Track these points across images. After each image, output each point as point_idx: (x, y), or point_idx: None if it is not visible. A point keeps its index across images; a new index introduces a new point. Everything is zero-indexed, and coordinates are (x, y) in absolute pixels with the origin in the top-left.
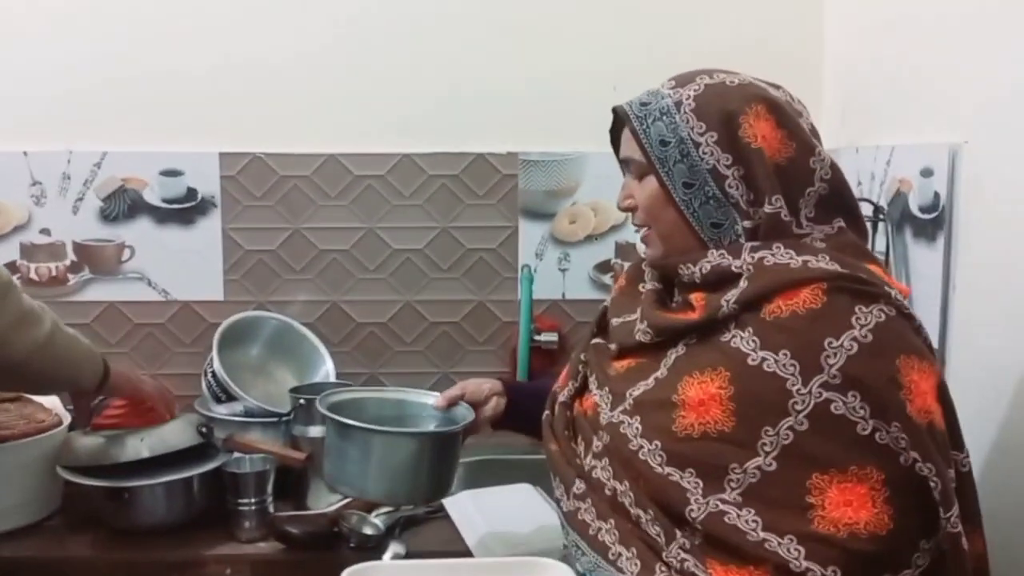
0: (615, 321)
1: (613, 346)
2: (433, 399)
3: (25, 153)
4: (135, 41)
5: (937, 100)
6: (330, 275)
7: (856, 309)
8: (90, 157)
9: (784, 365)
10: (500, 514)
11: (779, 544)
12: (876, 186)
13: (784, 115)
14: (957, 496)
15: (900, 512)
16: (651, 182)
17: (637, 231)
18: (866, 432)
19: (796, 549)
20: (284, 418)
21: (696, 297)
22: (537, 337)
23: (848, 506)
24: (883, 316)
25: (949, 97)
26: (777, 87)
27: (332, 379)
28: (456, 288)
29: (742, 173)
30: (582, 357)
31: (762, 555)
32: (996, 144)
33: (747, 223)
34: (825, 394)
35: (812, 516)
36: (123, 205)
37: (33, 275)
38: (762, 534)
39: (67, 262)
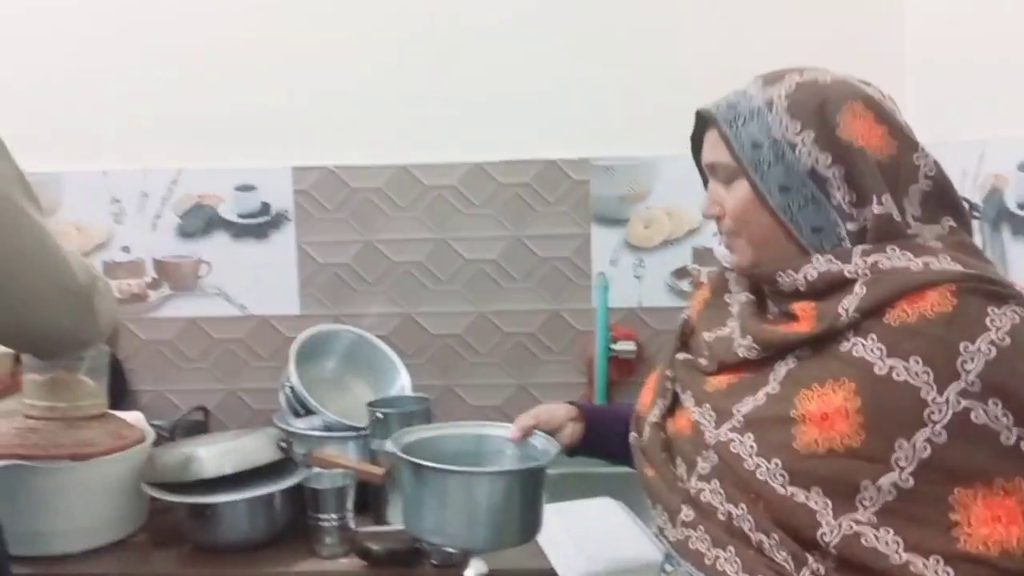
0: (707, 335)
1: (704, 361)
2: (508, 431)
3: (104, 172)
4: (208, 60)
5: None
6: (403, 287)
7: (989, 311)
8: (166, 174)
9: (916, 373)
10: (583, 528)
11: (924, 566)
12: (969, 183)
13: (883, 111)
14: None
15: None
16: (742, 187)
17: (722, 239)
18: (1011, 442)
19: (944, 571)
20: (362, 432)
21: (801, 307)
22: (614, 346)
23: (997, 522)
24: (1017, 318)
25: None
26: (868, 83)
27: (408, 392)
28: (530, 297)
29: (843, 173)
30: (668, 374)
31: None
32: None
33: (851, 225)
34: (964, 402)
35: (958, 534)
36: (200, 221)
37: (115, 292)
38: (905, 555)
39: (147, 279)
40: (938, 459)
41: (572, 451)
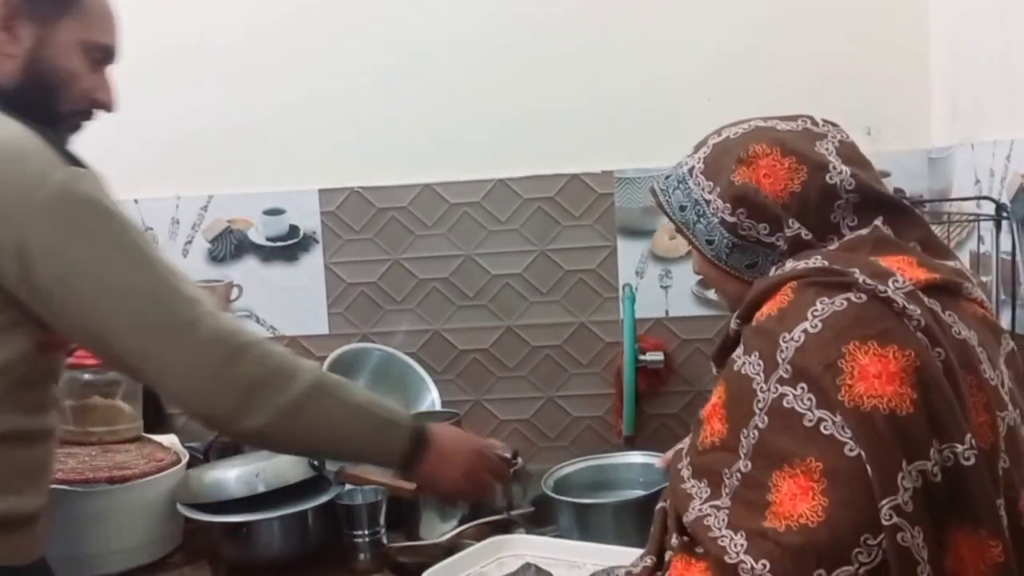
0: None
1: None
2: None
3: (136, 201)
4: (232, 86)
5: None
6: (430, 304)
7: (818, 302)
8: (197, 201)
9: (753, 365)
10: None
11: (731, 540)
12: (997, 183)
13: (788, 145)
14: (956, 493)
15: (837, 504)
16: (694, 250)
17: None
18: (812, 423)
19: (740, 544)
20: None
21: None
22: (642, 357)
23: (793, 499)
24: (845, 304)
25: None
26: (795, 118)
27: (438, 408)
28: (557, 311)
29: (747, 213)
30: None
31: (712, 550)
32: None
33: (771, 254)
34: (780, 388)
35: (767, 512)
36: (230, 245)
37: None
38: (723, 531)
39: None
40: (761, 444)
41: None
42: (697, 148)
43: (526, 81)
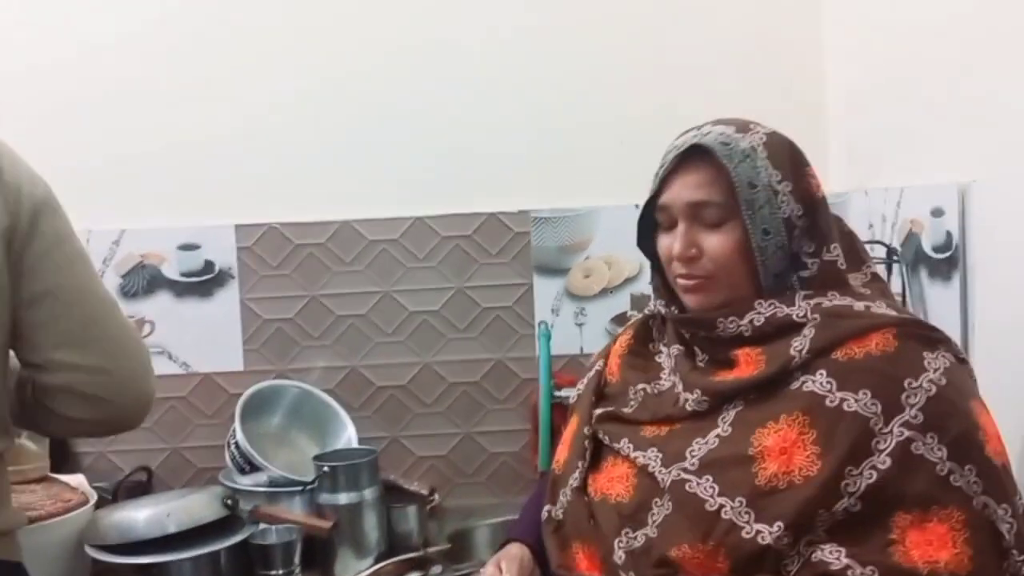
0: (643, 388)
1: (628, 410)
2: None
3: None
4: (147, 117)
5: (944, 140)
6: (348, 340)
7: (924, 353)
8: (109, 235)
9: (865, 404)
10: None
11: (861, 573)
12: (888, 228)
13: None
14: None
15: (978, 552)
16: (731, 229)
17: (685, 281)
18: (943, 473)
19: None
20: (308, 487)
21: (744, 353)
22: (558, 393)
23: (928, 546)
24: (948, 362)
25: (956, 137)
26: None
27: (354, 444)
28: (474, 347)
29: (807, 224)
30: (585, 431)
31: None
32: (1006, 182)
33: (804, 273)
34: (907, 433)
35: (893, 551)
36: (142, 281)
37: None
38: (845, 560)
39: None
40: (882, 485)
41: None
42: (741, 127)
43: (441, 121)
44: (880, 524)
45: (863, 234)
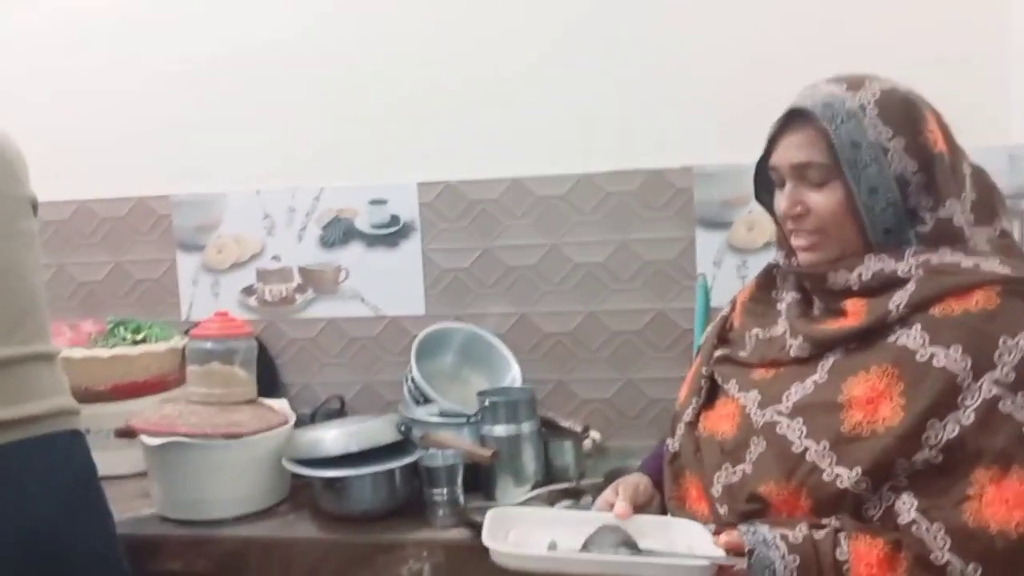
0: (756, 333)
1: (744, 354)
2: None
3: (258, 192)
4: (343, 88)
5: None
6: (518, 289)
7: None
8: (311, 192)
9: (955, 359)
10: None
11: (927, 530)
12: None
13: (942, 119)
14: None
15: None
16: (835, 188)
17: (798, 237)
18: None
19: (944, 539)
20: (472, 419)
21: (852, 303)
22: None
23: (1004, 503)
24: None
25: None
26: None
27: (518, 383)
28: (636, 298)
29: (924, 180)
30: (703, 371)
31: (907, 540)
32: None
33: (920, 228)
34: (995, 390)
35: (966, 507)
36: (339, 232)
37: (267, 296)
38: (914, 514)
39: (294, 284)
40: (962, 440)
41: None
42: (855, 85)
43: (608, 79)
44: (960, 477)
45: None
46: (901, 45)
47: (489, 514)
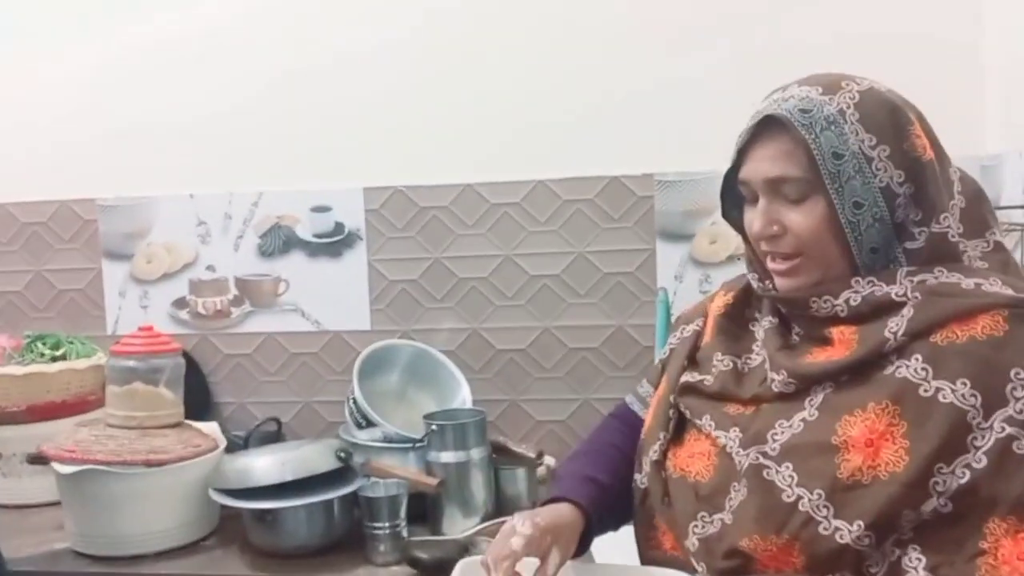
0: (724, 361)
1: (709, 380)
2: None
3: (191, 196)
4: (285, 87)
5: None
6: (470, 303)
7: None
8: (248, 197)
9: (963, 396)
10: None
11: None
12: None
13: (927, 123)
14: None
15: None
16: (815, 204)
17: (771, 260)
18: None
19: None
20: (418, 444)
21: (839, 331)
22: None
23: (1022, 560)
24: None
25: None
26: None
27: (468, 404)
28: (594, 313)
29: (912, 192)
30: (672, 400)
31: None
32: None
33: (910, 244)
34: (1009, 430)
35: (981, 564)
36: (278, 241)
37: (201, 309)
38: (923, 573)
39: (230, 296)
40: (974, 486)
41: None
42: (831, 88)
43: (565, 82)
44: (973, 529)
45: (1017, 198)
46: (873, 53)
47: (458, 566)
